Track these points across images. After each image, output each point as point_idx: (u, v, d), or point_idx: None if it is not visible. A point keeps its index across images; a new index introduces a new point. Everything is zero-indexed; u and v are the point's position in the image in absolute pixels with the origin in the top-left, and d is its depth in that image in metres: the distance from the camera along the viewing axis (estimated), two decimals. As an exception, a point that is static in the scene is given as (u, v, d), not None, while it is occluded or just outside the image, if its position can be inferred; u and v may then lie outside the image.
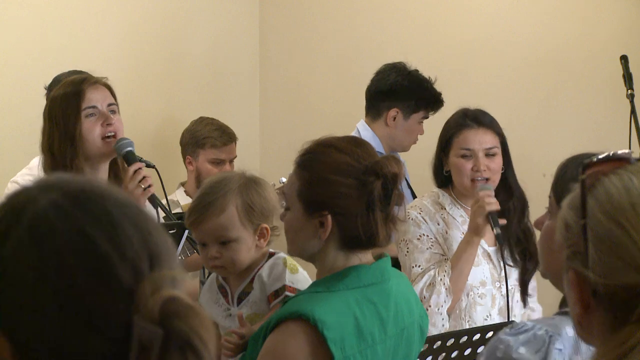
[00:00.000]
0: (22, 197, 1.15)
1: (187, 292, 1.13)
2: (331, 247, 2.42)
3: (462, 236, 3.65)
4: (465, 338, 3.10)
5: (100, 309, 1.09)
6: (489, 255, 3.69)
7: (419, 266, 3.65)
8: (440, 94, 4.44)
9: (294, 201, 2.44)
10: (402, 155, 4.58)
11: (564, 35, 5.22)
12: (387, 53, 4.80)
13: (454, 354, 3.06)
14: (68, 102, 3.22)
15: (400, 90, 4.40)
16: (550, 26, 5.26)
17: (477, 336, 3.12)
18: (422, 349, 2.65)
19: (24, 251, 1.11)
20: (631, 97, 4.56)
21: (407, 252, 3.69)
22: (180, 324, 1.07)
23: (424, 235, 3.69)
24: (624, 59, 4.64)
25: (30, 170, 3.89)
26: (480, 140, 3.66)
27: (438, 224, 3.70)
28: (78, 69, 4.03)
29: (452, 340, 3.07)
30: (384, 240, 2.42)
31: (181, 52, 5.41)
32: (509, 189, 3.72)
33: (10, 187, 3.85)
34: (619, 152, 1.31)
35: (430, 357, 3.00)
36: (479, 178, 3.63)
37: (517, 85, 5.24)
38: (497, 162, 3.67)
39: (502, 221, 3.60)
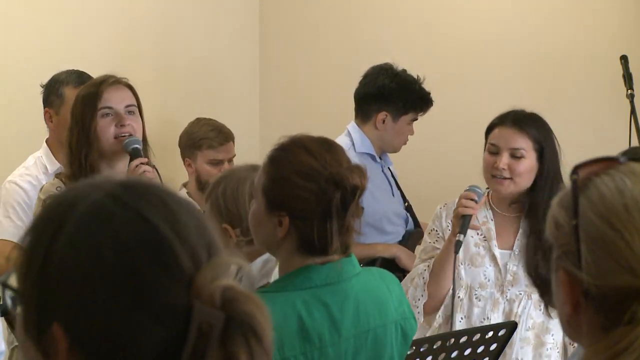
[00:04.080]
0: (72, 194, 1.14)
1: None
2: (288, 247, 2.39)
3: (473, 238, 3.59)
4: (465, 338, 3.10)
5: (160, 294, 1.08)
6: (495, 258, 3.56)
7: (420, 259, 3.65)
8: (428, 94, 4.41)
9: (258, 194, 2.43)
10: (392, 156, 4.59)
11: (564, 35, 5.22)
12: (388, 53, 4.80)
13: (454, 354, 3.07)
14: (87, 101, 3.33)
15: (388, 94, 4.37)
16: (550, 26, 5.26)
17: (477, 336, 3.12)
18: (408, 351, 2.61)
19: (80, 238, 1.09)
20: (631, 97, 4.56)
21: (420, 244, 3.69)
22: (242, 309, 1.08)
23: (433, 230, 3.67)
24: (624, 59, 4.65)
25: (27, 169, 3.89)
26: (508, 138, 3.53)
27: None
28: (75, 69, 4.03)
29: (452, 340, 3.07)
30: (338, 250, 2.39)
31: (181, 52, 5.41)
32: (532, 208, 3.56)
33: (9, 188, 3.84)
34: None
35: (430, 357, 3.00)
36: (499, 176, 3.51)
37: (516, 86, 5.24)
38: (524, 166, 3.50)
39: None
